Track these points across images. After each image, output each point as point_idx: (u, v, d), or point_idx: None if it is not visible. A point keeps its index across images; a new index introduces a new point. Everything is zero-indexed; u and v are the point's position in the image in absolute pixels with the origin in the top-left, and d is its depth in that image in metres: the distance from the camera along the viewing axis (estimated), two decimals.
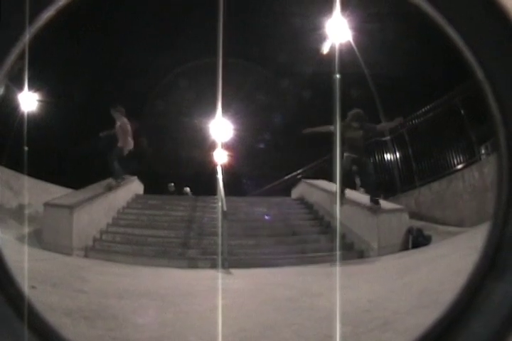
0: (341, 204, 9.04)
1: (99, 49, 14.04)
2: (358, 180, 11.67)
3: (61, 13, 1.11)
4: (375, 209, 9.01)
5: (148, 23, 14.80)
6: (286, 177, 16.84)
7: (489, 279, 1.01)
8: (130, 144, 10.79)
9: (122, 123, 10.71)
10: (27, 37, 1.08)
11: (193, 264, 8.37)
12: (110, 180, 10.62)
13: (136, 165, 12.46)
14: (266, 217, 10.76)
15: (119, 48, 14.43)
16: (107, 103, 11.49)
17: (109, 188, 10.45)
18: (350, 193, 10.15)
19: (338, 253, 8.63)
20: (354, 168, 10.48)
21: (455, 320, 1.03)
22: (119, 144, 10.63)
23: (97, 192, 10.03)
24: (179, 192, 15.73)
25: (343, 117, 9.50)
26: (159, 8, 14.49)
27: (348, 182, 9.70)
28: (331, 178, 11.34)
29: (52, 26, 1.13)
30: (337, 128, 10.03)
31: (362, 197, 10.11)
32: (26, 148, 8.21)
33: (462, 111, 10.64)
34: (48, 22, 1.10)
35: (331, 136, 9.11)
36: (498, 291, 1.00)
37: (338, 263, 7.93)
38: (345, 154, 9.33)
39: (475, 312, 1.01)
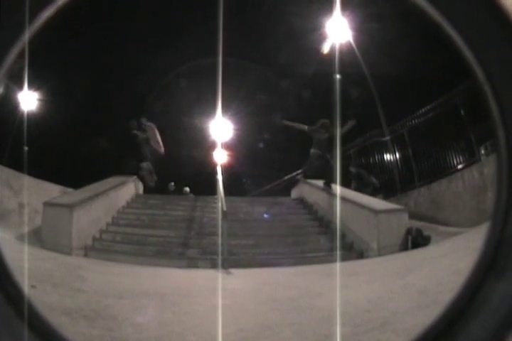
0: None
1: (99, 48, 14.06)
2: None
3: (61, 12, 1.11)
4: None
5: (148, 22, 14.82)
6: (286, 177, 16.83)
7: (488, 279, 1.01)
8: None
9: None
10: (27, 36, 1.08)
11: (192, 264, 8.37)
12: None
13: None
14: (265, 216, 10.76)
15: (119, 48, 14.45)
16: (106, 102, 11.51)
17: None
18: (349, 193, 10.19)
19: (338, 253, 8.63)
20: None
21: (454, 320, 1.03)
22: None
23: (96, 192, 10.01)
24: (179, 191, 15.71)
25: (343, 117, 10.05)
26: (159, 8, 14.51)
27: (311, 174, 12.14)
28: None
29: (52, 25, 1.13)
30: (337, 128, 10.17)
31: (361, 197, 10.12)
32: (26, 148, 8.21)
33: (462, 112, 10.65)
34: (47, 21, 1.10)
35: (303, 133, 11.40)
36: (497, 292, 1.00)
37: (337, 263, 7.93)
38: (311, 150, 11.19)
39: (474, 312, 1.01)
